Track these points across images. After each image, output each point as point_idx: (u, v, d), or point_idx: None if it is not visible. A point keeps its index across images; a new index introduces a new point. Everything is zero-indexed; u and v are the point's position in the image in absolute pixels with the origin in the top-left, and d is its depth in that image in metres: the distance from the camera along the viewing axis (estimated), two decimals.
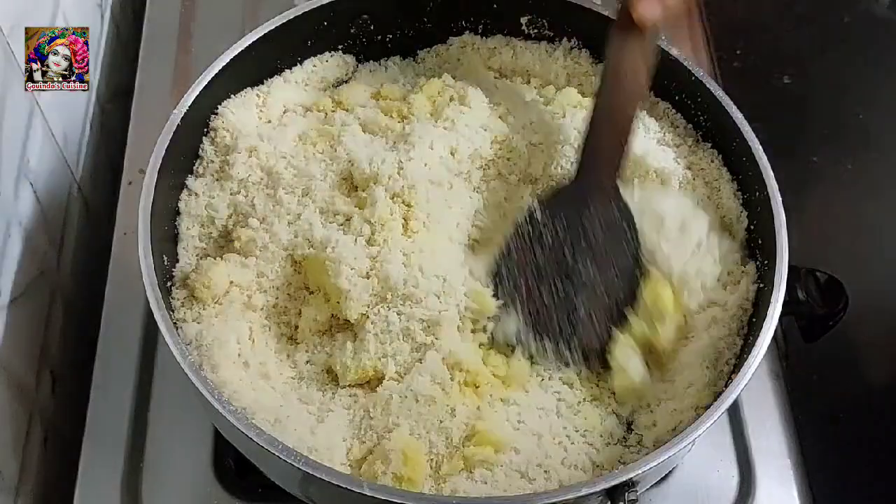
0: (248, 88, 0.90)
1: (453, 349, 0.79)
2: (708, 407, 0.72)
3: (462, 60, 0.95)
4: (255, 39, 0.87)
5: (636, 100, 0.82)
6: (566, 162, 0.87)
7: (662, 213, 0.83)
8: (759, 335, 0.74)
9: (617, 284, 0.80)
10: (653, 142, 0.88)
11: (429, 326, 0.79)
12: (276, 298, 0.83)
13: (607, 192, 0.82)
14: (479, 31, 0.96)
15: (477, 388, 0.80)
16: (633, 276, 0.81)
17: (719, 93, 0.86)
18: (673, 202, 0.84)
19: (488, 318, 0.81)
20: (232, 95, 0.89)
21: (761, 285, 0.80)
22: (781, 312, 0.75)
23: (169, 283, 0.81)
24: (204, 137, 0.87)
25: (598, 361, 0.81)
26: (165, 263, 0.80)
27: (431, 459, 0.75)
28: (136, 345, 0.91)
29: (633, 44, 0.80)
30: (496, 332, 0.80)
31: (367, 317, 0.80)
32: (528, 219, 0.82)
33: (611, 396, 0.82)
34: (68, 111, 1.01)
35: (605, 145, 0.82)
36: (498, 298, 0.80)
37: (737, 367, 0.77)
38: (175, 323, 0.77)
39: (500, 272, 0.81)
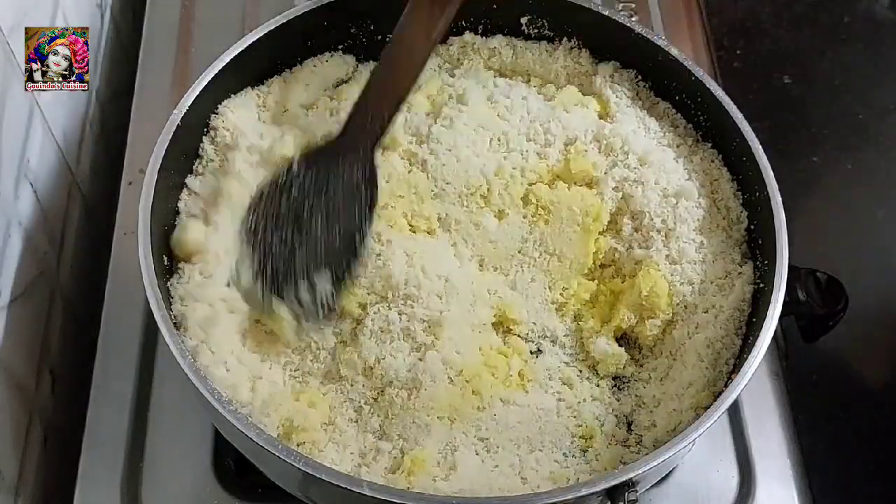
0: (248, 88, 0.90)
1: (454, 350, 0.79)
2: (708, 407, 0.72)
3: (462, 60, 0.95)
4: (255, 39, 0.87)
5: (411, 75, 0.83)
6: (565, 160, 0.87)
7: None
8: (759, 335, 0.74)
9: (337, 248, 0.79)
10: (653, 142, 0.88)
11: (429, 326, 0.79)
12: None
13: (360, 155, 0.82)
14: (479, 31, 0.96)
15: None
16: (352, 243, 0.80)
17: (719, 93, 0.86)
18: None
19: None
20: (232, 95, 0.89)
21: (761, 285, 0.80)
22: (781, 312, 0.75)
23: (169, 283, 0.81)
24: (204, 137, 0.87)
25: (292, 313, 0.78)
26: (165, 263, 0.80)
27: None
28: (136, 345, 0.91)
29: (423, 17, 0.82)
30: (234, 273, 0.79)
31: (367, 315, 0.80)
32: (286, 169, 0.81)
33: (611, 397, 0.83)
34: (68, 111, 1.01)
35: (371, 111, 0.82)
36: (244, 241, 0.79)
37: (736, 367, 0.77)
38: (175, 323, 0.77)
39: (248, 215, 0.79)
